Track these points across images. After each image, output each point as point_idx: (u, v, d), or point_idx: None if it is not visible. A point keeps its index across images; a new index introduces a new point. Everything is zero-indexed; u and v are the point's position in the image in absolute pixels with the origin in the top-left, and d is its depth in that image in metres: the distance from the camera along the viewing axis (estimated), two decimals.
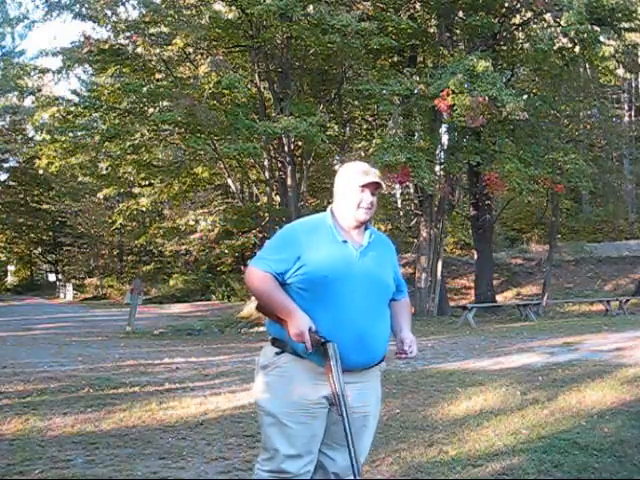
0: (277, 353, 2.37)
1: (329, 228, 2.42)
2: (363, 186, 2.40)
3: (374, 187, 2.43)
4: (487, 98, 13.19)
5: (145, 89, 14.21)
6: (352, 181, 2.42)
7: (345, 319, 2.30)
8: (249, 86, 16.26)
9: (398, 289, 2.59)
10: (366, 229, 2.48)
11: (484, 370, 7.25)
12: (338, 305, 2.31)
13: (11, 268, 46.73)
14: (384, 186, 2.47)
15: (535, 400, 5.39)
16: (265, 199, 19.29)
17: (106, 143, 15.54)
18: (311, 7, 14.44)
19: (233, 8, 15.87)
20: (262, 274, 2.34)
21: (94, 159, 16.86)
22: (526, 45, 17.10)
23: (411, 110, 15.99)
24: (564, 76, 16.98)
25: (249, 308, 18.85)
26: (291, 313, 2.26)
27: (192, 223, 23.86)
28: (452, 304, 19.09)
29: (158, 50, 15.80)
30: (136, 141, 15.66)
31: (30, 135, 31.88)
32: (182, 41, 14.83)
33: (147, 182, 19.13)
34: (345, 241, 2.39)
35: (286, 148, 16.15)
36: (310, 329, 2.22)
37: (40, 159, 16.75)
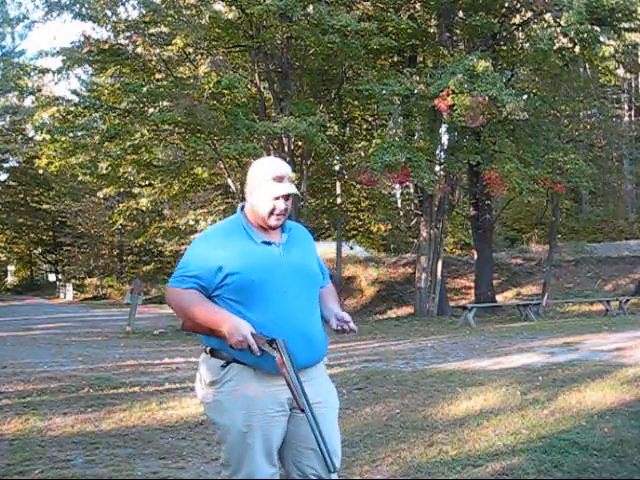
0: (223, 366, 2.23)
1: (243, 230, 2.30)
2: (276, 198, 2.27)
3: (287, 195, 2.30)
4: (487, 98, 13.20)
5: (145, 89, 14.21)
6: (264, 189, 2.28)
7: (284, 320, 2.21)
8: (249, 86, 16.26)
9: (322, 276, 2.49)
10: (283, 228, 2.37)
11: (484, 370, 7.25)
12: (273, 307, 2.22)
13: (11, 268, 46.75)
14: (298, 193, 2.33)
15: (535, 400, 5.39)
16: None
17: (106, 143, 15.53)
18: (311, 7, 14.45)
19: (233, 8, 15.89)
20: (183, 291, 2.20)
21: (94, 159, 16.85)
22: (526, 45, 17.11)
23: (411, 110, 15.99)
24: (564, 76, 16.98)
25: None
26: (227, 320, 2.11)
27: (192, 223, 23.85)
28: (452, 304, 19.09)
29: (158, 50, 15.81)
30: (136, 141, 15.67)
31: (30, 135, 31.89)
32: (182, 41, 14.84)
33: (147, 182, 19.13)
34: (265, 242, 2.29)
35: (286, 148, 16.15)
36: (252, 332, 2.10)
37: (40, 159, 16.75)
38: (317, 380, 2.35)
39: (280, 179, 2.29)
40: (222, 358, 2.24)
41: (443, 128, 17.87)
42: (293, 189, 2.31)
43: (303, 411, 2.08)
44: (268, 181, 2.29)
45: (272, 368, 2.14)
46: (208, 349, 2.30)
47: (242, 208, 2.39)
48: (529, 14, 16.87)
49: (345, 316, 2.37)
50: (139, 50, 15.79)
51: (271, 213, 2.28)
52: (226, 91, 14.40)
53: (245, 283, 2.20)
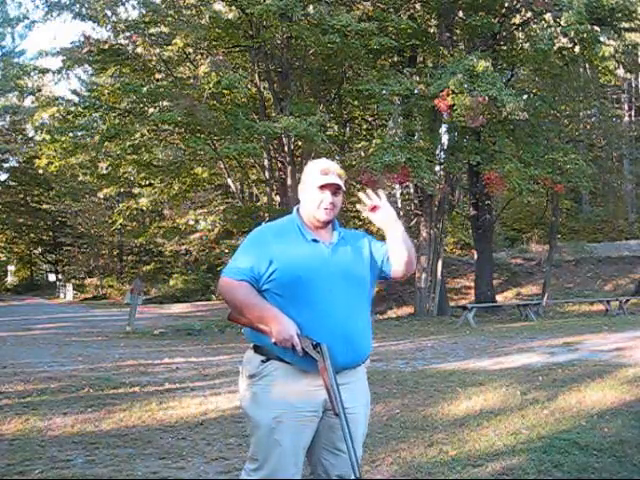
0: (263, 361, 2.30)
1: (297, 228, 2.38)
2: (322, 187, 2.35)
3: (334, 187, 2.37)
4: (487, 98, 13.19)
5: (145, 89, 14.20)
6: (311, 181, 2.39)
7: (327, 319, 2.25)
8: (249, 86, 16.26)
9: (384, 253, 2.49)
10: (334, 229, 2.44)
11: (484, 370, 7.25)
12: (317, 305, 2.26)
13: (11, 268, 46.74)
14: (343, 187, 2.39)
15: (535, 400, 5.39)
16: (265, 199, 19.29)
17: (106, 143, 15.53)
18: (311, 7, 14.45)
19: (233, 8, 15.88)
20: (237, 283, 2.27)
21: (94, 159, 16.86)
22: (526, 45, 17.10)
23: (411, 110, 15.99)
24: (564, 76, 16.98)
25: None
26: (275, 318, 2.18)
27: (192, 223, 23.87)
28: (452, 304, 19.09)
29: (158, 50, 15.81)
30: (136, 141, 15.67)
31: (30, 135, 31.88)
32: (182, 41, 14.84)
33: (147, 182, 19.13)
34: (314, 240, 2.35)
35: (286, 148, 16.15)
36: (297, 333, 2.17)
37: (40, 159, 16.76)
38: (356, 384, 2.39)
39: (326, 172, 2.38)
40: (264, 354, 2.31)
41: (443, 128, 17.87)
42: (338, 180, 2.37)
43: (337, 415, 2.14)
44: (315, 174, 2.39)
45: (310, 368, 2.20)
46: (252, 345, 2.38)
47: (297, 209, 2.47)
48: (529, 14, 16.86)
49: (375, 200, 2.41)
50: (139, 50, 15.80)
51: (319, 206, 2.35)
52: (226, 91, 14.40)
53: (292, 279, 2.26)
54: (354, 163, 16.74)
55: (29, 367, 7.84)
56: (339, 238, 2.42)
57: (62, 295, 36.06)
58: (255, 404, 2.31)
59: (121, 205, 23.41)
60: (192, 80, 15.38)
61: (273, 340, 2.19)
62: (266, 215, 18.12)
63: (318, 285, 2.27)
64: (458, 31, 17.64)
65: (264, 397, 2.28)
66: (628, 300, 17.27)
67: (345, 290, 2.32)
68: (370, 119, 20.71)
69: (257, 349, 2.34)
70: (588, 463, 3.69)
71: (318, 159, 2.58)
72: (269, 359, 2.29)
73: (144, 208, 21.14)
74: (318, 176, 2.38)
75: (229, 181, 17.77)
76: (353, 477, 2.16)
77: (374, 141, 15.55)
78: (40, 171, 21.09)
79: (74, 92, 19.05)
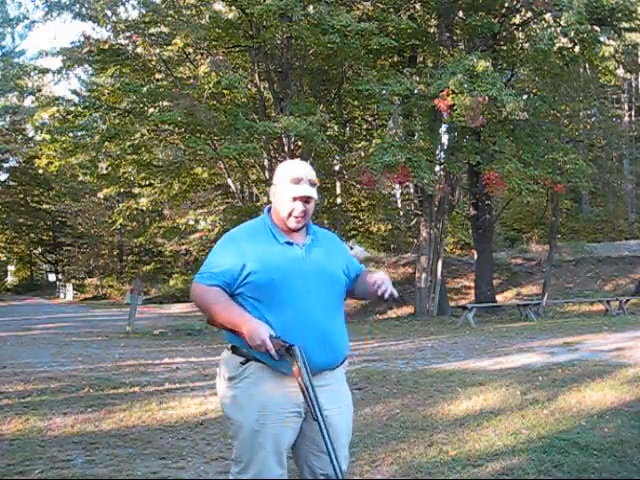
0: (242, 363, 2.26)
1: (269, 230, 2.34)
2: (295, 197, 2.30)
3: (306, 198, 2.31)
4: (487, 98, 13.19)
5: (145, 89, 14.21)
6: (283, 189, 2.32)
7: (304, 320, 2.23)
8: (249, 86, 16.26)
9: (358, 270, 2.51)
10: (307, 232, 2.40)
11: (484, 370, 7.25)
12: (293, 307, 2.24)
13: (11, 268, 46.75)
14: (315, 197, 2.33)
15: (535, 400, 5.39)
16: (265, 199, 19.26)
17: (106, 143, 15.53)
18: (311, 7, 14.44)
19: (233, 8, 15.89)
20: (208, 288, 2.24)
21: (94, 159, 16.87)
22: (526, 45, 17.11)
23: (411, 110, 15.99)
24: (564, 76, 16.97)
25: None
26: (246, 323, 2.15)
27: (192, 223, 23.86)
28: (452, 304, 19.09)
29: (158, 50, 15.81)
30: (136, 141, 15.67)
31: (30, 135, 31.89)
32: (182, 41, 14.84)
33: (147, 182, 19.13)
34: (288, 242, 2.32)
35: (286, 148, 16.14)
36: (270, 336, 2.12)
37: (40, 159, 16.76)
38: (333, 386, 2.36)
39: (298, 181, 2.32)
40: (243, 355, 2.27)
41: (443, 128, 17.86)
42: (310, 192, 2.32)
43: (315, 419, 2.11)
44: (286, 182, 2.33)
45: (289, 369, 2.17)
46: (230, 346, 2.34)
47: (269, 209, 2.43)
48: (529, 14, 16.87)
49: (377, 279, 2.32)
50: (139, 50, 15.80)
51: (289, 215, 2.31)
52: (226, 91, 14.40)
53: (266, 282, 2.23)
54: (354, 163, 16.77)
55: (29, 367, 7.84)
56: (312, 239, 2.38)
57: (62, 295, 36.06)
58: (236, 407, 2.28)
59: (121, 205, 23.39)
60: (192, 80, 15.38)
61: (248, 345, 2.16)
62: None
63: (293, 287, 2.25)
64: (458, 31, 17.64)
65: (245, 400, 2.26)
66: (628, 300, 17.27)
67: (320, 291, 2.30)
68: (370, 119, 20.71)
69: (235, 350, 2.30)
70: (588, 463, 3.69)
71: (289, 161, 2.54)
72: (248, 360, 2.25)
73: (144, 208, 21.14)
74: (289, 186, 2.31)
75: (229, 181, 17.77)
76: (338, 477, 2.13)
77: (374, 141, 15.55)
78: (40, 171, 21.10)
79: (74, 92, 19.06)
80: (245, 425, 2.26)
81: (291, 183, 2.31)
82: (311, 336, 2.22)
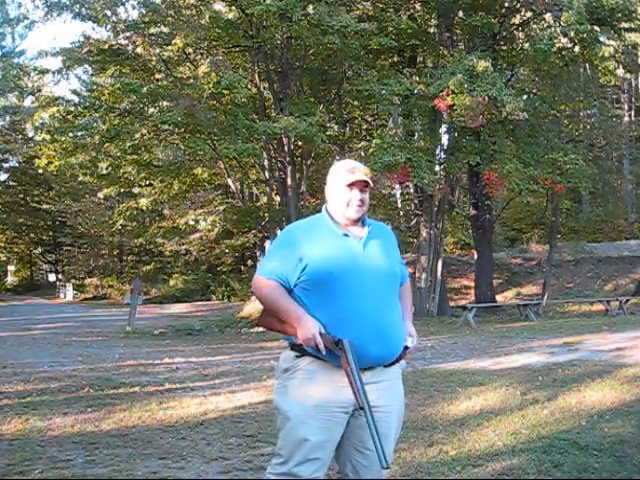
0: (297, 356, 2.33)
1: (327, 224, 2.41)
2: (350, 185, 2.39)
3: (362, 185, 2.41)
4: (487, 98, 13.19)
5: (145, 89, 14.20)
6: (339, 180, 2.42)
7: (359, 313, 2.27)
8: (249, 86, 16.25)
9: (403, 279, 2.57)
10: (363, 223, 2.46)
11: (484, 370, 7.25)
12: (350, 300, 2.27)
13: (11, 268, 46.74)
14: (371, 184, 2.44)
15: (535, 400, 5.39)
16: (265, 199, 19.28)
17: (106, 143, 15.54)
18: (311, 7, 14.43)
19: (233, 8, 15.88)
20: (267, 282, 2.33)
21: (94, 159, 16.86)
22: (526, 45, 17.10)
23: (411, 110, 15.98)
24: (564, 76, 16.97)
25: (249, 308, 18.85)
26: (299, 318, 2.23)
27: (192, 223, 23.86)
28: (452, 304, 19.08)
29: (158, 50, 15.81)
30: (136, 141, 15.66)
31: (30, 135, 31.85)
32: (182, 41, 14.84)
33: (147, 182, 19.14)
34: (346, 234, 2.38)
35: (286, 148, 16.15)
36: (320, 332, 2.20)
37: (40, 159, 16.76)
38: (387, 383, 2.38)
39: (352, 171, 2.42)
40: (299, 351, 2.34)
41: (443, 128, 17.85)
42: (365, 177, 2.42)
43: (362, 408, 2.14)
44: (342, 173, 2.43)
45: (336, 362, 2.22)
46: (288, 342, 2.40)
47: (326, 208, 2.49)
48: (529, 14, 16.87)
49: (413, 334, 2.46)
50: (139, 50, 15.80)
51: (348, 204, 2.39)
52: (226, 91, 14.39)
53: (323, 275, 2.28)
54: None
55: (29, 367, 7.84)
56: (369, 232, 2.43)
57: (62, 295, 36.06)
58: (286, 397, 2.34)
59: (121, 205, 23.40)
60: (192, 80, 15.38)
61: (298, 341, 2.23)
62: (266, 215, 18.14)
63: (350, 280, 2.29)
64: (458, 31, 17.63)
65: (295, 391, 2.31)
66: (628, 300, 17.26)
67: (376, 284, 2.33)
68: (370, 119, 20.70)
69: (292, 346, 2.37)
70: (588, 463, 3.69)
71: (343, 160, 2.63)
72: (303, 355, 2.32)
73: (144, 208, 21.14)
74: (345, 175, 2.41)
75: (229, 181, 17.76)
76: (380, 470, 2.19)
77: (374, 141, 15.53)
78: (40, 171, 21.12)
79: (74, 92, 19.00)
80: (292, 416, 2.29)
81: (346, 172, 2.42)
82: (366, 328, 2.26)
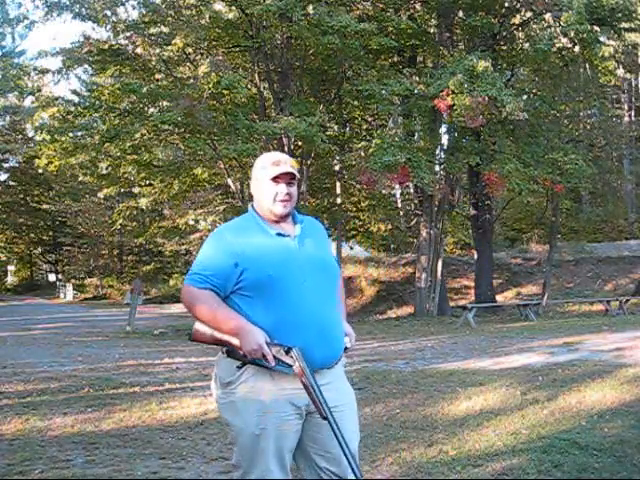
0: (238, 367, 2.18)
1: (258, 223, 2.28)
2: (275, 178, 2.26)
3: (288, 177, 2.27)
4: (487, 98, 13.19)
5: (145, 89, 14.20)
6: (263, 174, 2.29)
7: (301, 315, 2.17)
8: (249, 86, 16.26)
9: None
10: (294, 219, 2.35)
11: (484, 370, 7.25)
12: (291, 302, 2.17)
13: (11, 268, 46.74)
14: (298, 175, 2.31)
15: (535, 400, 5.39)
16: None
17: (106, 144, 15.54)
18: (311, 7, 14.44)
19: (233, 8, 15.88)
20: (200, 291, 2.16)
21: (94, 159, 16.86)
22: (526, 45, 17.11)
23: (411, 110, 15.99)
24: (564, 76, 16.98)
25: None
26: (241, 328, 2.09)
27: (192, 223, 23.86)
28: (452, 304, 19.09)
29: (158, 50, 15.81)
30: (136, 141, 15.66)
31: (30, 135, 31.87)
32: (182, 41, 14.84)
33: (147, 182, 19.13)
34: (279, 234, 2.26)
35: (286, 148, 16.13)
36: (266, 340, 2.08)
37: (40, 159, 16.76)
38: (335, 384, 2.31)
39: (277, 163, 2.29)
40: (238, 359, 2.19)
41: (443, 128, 17.87)
42: (291, 169, 2.28)
43: (325, 419, 2.08)
44: (267, 167, 2.29)
45: (288, 370, 2.13)
46: (224, 349, 2.26)
47: (252, 206, 2.38)
48: (529, 14, 16.87)
49: (351, 334, 2.39)
50: (139, 50, 15.79)
51: (274, 199, 2.26)
52: (226, 91, 14.39)
53: (262, 278, 2.17)
54: (354, 163, 16.77)
55: (29, 367, 7.84)
56: (302, 228, 2.33)
57: (62, 295, 36.06)
58: (235, 412, 2.22)
59: (121, 205, 23.40)
60: (192, 80, 15.38)
61: (242, 352, 2.11)
62: None
63: (289, 280, 2.18)
64: (458, 31, 17.64)
65: (244, 405, 2.20)
66: (628, 300, 17.26)
67: (316, 282, 2.23)
68: (370, 119, 20.70)
69: (230, 353, 2.22)
70: (588, 463, 3.69)
71: (267, 153, 2.50)
72: (244, 364, 2.18)
73: (144, 208, 21.14)
74: (270, 167, 2.28)
75: (229, 181, 17.76)
76: (352, 477, 2.11)
77: (374, 141, 15.54)
78: (40, 171, 21.12)
79: (74, 92, 19.02)
80: (245, 430, 2.20)
81: (271, 165, 2.28)
82: (310, 332, 2.17)
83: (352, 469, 2.06)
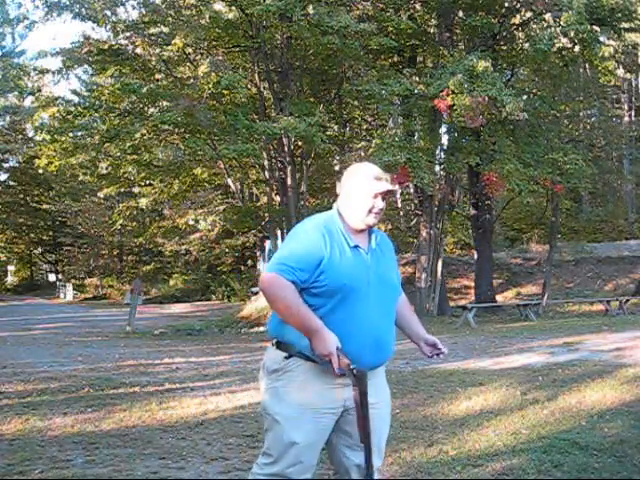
0: (286, 357, 2.31)
1: (340, 232, 2.36)
2: (377, 193, 2.37)
3: (386, 193, 2.41)
4: (487, 98, 13.18)
5: (145, 89, 14.20)
6: (366, 187, 2.37)
7: (362, 324, 2.28)
8: (249, 86, 16.25)
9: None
10: (370, 232, 2.45)
11: (484, 370, 7.25)
12: (355, 310, 2.28)
13: (11, 268, 46.72)
14: (397, 189, 2.47)
15: (535, 400, 5.39)
16: (265, 199, 19.27)
17: (106, 144, 15.54)
18: (311, 7, 14.44)
19: (233, 8, 15.87)
20: (286, 283, 2.20)
21: (94, 159, 16.86)
22: (526, 45, 17.09)
23: (411, 110, 15.98)
24: (564, 76, 16.97)
25: (249, 308, 18.85)
26: (318, 332, 2.17)
27: (192, 223, 23.88)
28: (452, 304, 19.08)
29: (158, 50, 15.80)
30: (136, 141, 15.66)
31: (30, 135, 31.88)
32: (182, 41, 14.83)
33: (147, 182, 19.14)
34: (356, 246, 2.36)
35: (286, 148, 16.15)
36: (338, 348, 2.16)
37: (40, 159, 16.76)
38: (373, 381, 2.37)
39: (380, 178, 2.39)
40: (286, 351, 2.31)
41: (443, 128, 17.85)
42: (391, 186, 2.42)
43: (363, 442, 2.20)
44: (370, 180, 2.38)
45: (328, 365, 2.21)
46: (274, 341, 2.37)
47: (338, 210, 2.45)
48: (529, 14, 16.85)
49: (437, 342, 2.46)
50: (139, 50, 15.79)
51: (370, 211, 2.37)
52: (226, 91, 14.39)
53: (336, 285, 2.25)
54: (354, 163, 16.74)
55: (29, 367, 7.84)
56: (376, 243, 2.44)
57: (62, 295, 36.05)
58: (275, 399, 2.32)
59: (121, 205, 23.41)
60: (192, 80, 15.38)
61: (314, 352, 2.19)
62: (266, 215, 18.14)
63: (358, 293, 2.29)
64: (458, 31, 17.62)
65: (285, 393, 2.30)
66: (628, 300, 17.26)
67: (380, 296, 2.35)
68: (370, 119, 20.71)
69: (279, 345, 2.34)
70: (588, 463, 3.69)
71: (363, 163, 2.56)
72: (291, 355, 2.30)
73: (144, 208, 21.16)
74: (374, 183, 2.37)
75: (229, 181, 17.77)
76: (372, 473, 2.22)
77: (374, 141, 15.54)
78: (40, 171, 21.09)
79: (74, 92, 19.02)
80: (281, 418, 2.28)
81: (374, 180, 2.38)
82: (367, 341, 2.28)
83: (369, 472, 2.20)
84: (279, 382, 2.31)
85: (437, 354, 2.44)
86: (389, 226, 25.39)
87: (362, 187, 2.38)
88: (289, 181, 16.41)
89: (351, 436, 2.34)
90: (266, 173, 17.57)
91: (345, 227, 2.38)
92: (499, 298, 20.17)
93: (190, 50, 16.54)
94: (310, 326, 2.18)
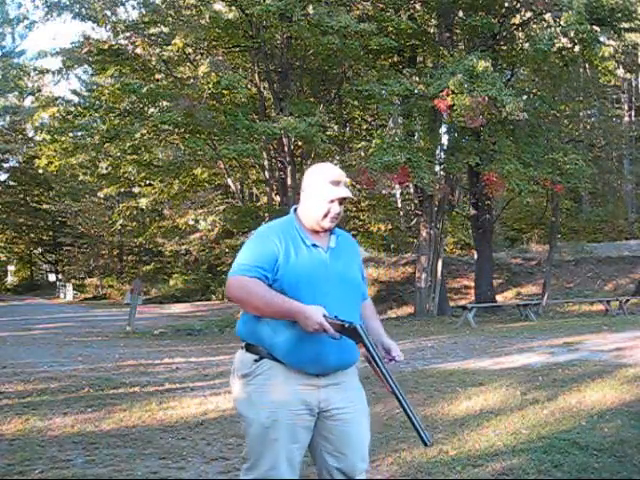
0: (256, 360, 2.29)
1: (296, 232, 2.36)
2: (333, 199, 2.35)
3: (343, 198, 2.37)
4: (487, 98, 13.19)
5: (145, 89, 14.20)
6: (322, 191, 2.35)
7: None
8: (249, 86, 16.26)
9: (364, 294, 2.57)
10: (331, 232, 2.43)
11: (484, 370, 7.25)
12: None
13: (11, 268, 46.73)
14: (352, 196, 2.45)
15: (535, 400, 5.39)
16: (265, 199, 19.26)
17: (106, 144, 15.53)
18: (311, 7, 14.44)
19: (233, 8, 15.88)
20: (250, 279, 2.21)
21: (94, 159, 16.86)
22: (526, 45, 17.10)
23: (411, 110, 15.98)
24: (564, 76, 16.97)
25: None
26: (300, 310, 2.16)
27: (192, 223, 23.87)
28: (452, 304, 19.09)
29: (158, 50, 15.80)
30: (136, 141, 15.67)
31: (30, 135, 31.89)
32: (182, 41, 14.83)
33: (147, 182, 19.14)
34: (314, 245, 2.35)
35: (286, 148, 16.15)
36: (325, 316, 2.15)
37: (40, 159, 16.76)
38: (346, 384, 2.38)
39: (337, 183, 2.36)
40: (256, 353, 2.30)
41: (443, 128, 17.86)
42: (349, 193, 2.39)
43: (393, 393, 2.19)
44: (326, 184, 2.36)
45: (303, 366, 2.23)
46: (244, 344, 2.36)
47: (295, 210, 2.45)
48: (529, 14, 16.86)
49: (392, 349, 2.40)
50: (139, 50, 15.79)
51: (325, 215, 2.35)
52: (226, 91, 14.40)
53: (292, 282, 2.25)
54: (354, 163, 16.75)
55: (29, 367, 7.84)
56: (336, 242, 2.42)
57: (62, 295, 36.05)
58: (249, 403, 2.30)
59: (121, 205, 23.40)
60: (192, 80, 15.38)
61: (305, 330, 2.17)
62: (266, 215, 18.13)
63: (315, 289, 2.27)
64: (458, 31, 17.63)
65: (258, 396, 2.28)
66: (628, 300, 17.26)
67: (341, 295, 2.32)
68: (370, 119, 20.70)
69: (248, 348, 2.33)
70: (588, 463, 3.69)
71: (323, 164, 2.55)
72: (261, 358, 2.28)
73: (144, 208, 21.15)
74: (329, 187, 2.35)
75: (229, 181, 17.77)
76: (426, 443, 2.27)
77: (374, 141, 15.53)
78: (40, 171, 21.10)
79: (74, 92, 19.07)
80: (256, 422, 2.27)
81: (331, 185, 2.35)
82: (328, 340, 2.23)
83: (421, 436, 2.24)
84: (251, 386, 2.30)
85: (390, 360, 2.37)
86: (389, 226, 25.41)
87: (318, 191, 2.36)
88: (289, 181, 16.40)
89: (330, 442, 2.32)
90: (266, 173, 17.56)
91: (302, 227, 2.38)
92: (499, 298, 20.17)
93: (190, 50, 16.54)
94: (290, 309, 2.18)
